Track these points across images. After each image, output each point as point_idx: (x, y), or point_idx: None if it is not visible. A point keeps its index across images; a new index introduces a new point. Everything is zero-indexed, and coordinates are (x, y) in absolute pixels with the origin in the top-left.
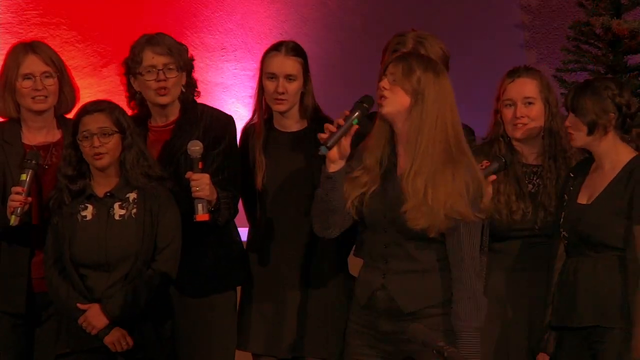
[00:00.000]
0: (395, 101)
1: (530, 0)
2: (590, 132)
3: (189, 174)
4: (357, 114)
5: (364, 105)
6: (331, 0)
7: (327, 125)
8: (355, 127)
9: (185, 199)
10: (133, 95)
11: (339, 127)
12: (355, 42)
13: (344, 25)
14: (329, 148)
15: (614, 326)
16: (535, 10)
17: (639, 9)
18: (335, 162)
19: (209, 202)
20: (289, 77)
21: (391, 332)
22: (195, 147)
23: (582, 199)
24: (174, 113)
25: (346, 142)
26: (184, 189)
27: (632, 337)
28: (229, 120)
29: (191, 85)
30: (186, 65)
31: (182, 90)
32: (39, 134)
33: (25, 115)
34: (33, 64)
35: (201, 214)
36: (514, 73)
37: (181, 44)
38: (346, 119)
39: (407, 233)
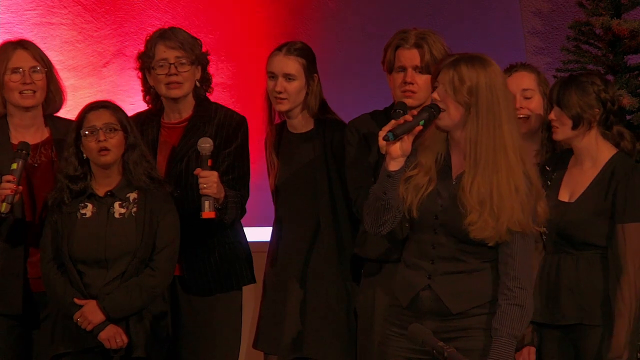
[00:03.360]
0: (449, 114)
1: (541, 6)
2: (575, 126)
3: (197, 171)
4: (425, 115)
5: (432, 110)
6: (331, 0)
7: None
8: (420, 127)
9: (192, 198)
10: (148, 89)
11: (405, 121)
12: (355, 42)
13: (344, 25)
14: (395, 137)
15: (597, 324)
16: (546, 16)
17: (639, 9)
18: (396, 159)
19: (216, 200)
20: (287, 77)
21: (434, 331)
22: (206, 145)
23: (564, 196)
24: (187, 110)
25: (408, 141)
26: (193, 187)
27: (613, 334)
28: (241, 121)
29: (206, 80)
30: (200, 60)
31: (196, 85)
32: (27, 132)
33: (13, 112)
34: (21, 59)
35: (207, 211)
36: (511, 68)
37: (195, 38)
38: (414, 117)
39: (462, 238)
